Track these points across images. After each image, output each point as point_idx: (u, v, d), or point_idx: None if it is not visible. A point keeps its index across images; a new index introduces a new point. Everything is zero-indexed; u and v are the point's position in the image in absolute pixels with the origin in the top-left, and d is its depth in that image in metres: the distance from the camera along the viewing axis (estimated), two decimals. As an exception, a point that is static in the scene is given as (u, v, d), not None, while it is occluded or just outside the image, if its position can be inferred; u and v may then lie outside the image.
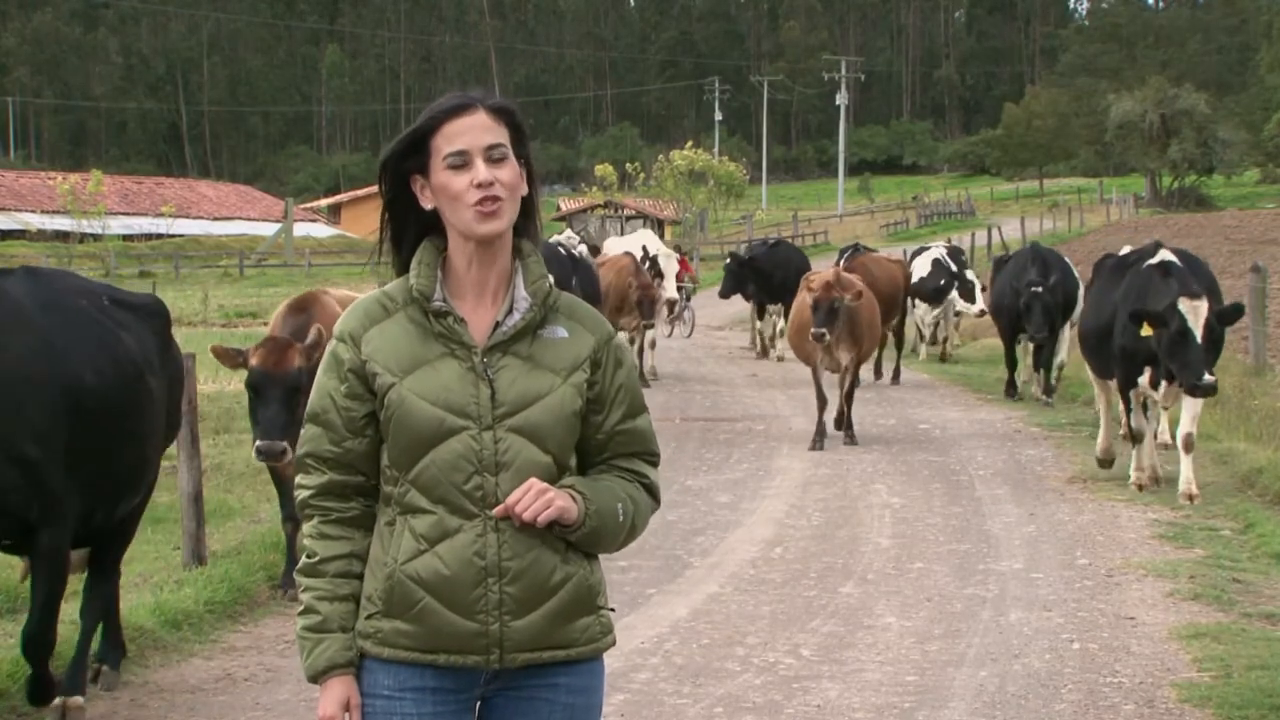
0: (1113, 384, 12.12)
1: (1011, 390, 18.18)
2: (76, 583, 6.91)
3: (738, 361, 23.34)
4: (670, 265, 20.51)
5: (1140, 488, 11.77)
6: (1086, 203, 77.48)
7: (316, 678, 3.12)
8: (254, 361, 8.04)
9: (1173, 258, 11.50)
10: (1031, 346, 17.86)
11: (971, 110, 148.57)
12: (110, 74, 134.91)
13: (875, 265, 20.20)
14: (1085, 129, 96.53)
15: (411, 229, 3.19)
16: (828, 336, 14.23)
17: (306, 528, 3.20)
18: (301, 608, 3.17)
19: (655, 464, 3.30)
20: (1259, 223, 59.40)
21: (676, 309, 22.87)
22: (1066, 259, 18.32)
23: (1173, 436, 12.26)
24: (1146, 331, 10.94)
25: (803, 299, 14.70)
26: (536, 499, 3.04)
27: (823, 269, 16.70)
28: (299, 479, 3.22)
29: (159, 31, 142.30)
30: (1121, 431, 12.36)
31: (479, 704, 3.19)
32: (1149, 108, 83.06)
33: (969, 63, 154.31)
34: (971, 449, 14.39)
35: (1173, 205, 79.00)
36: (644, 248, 20.70)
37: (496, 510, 3.06)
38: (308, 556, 3.17)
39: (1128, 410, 11.81)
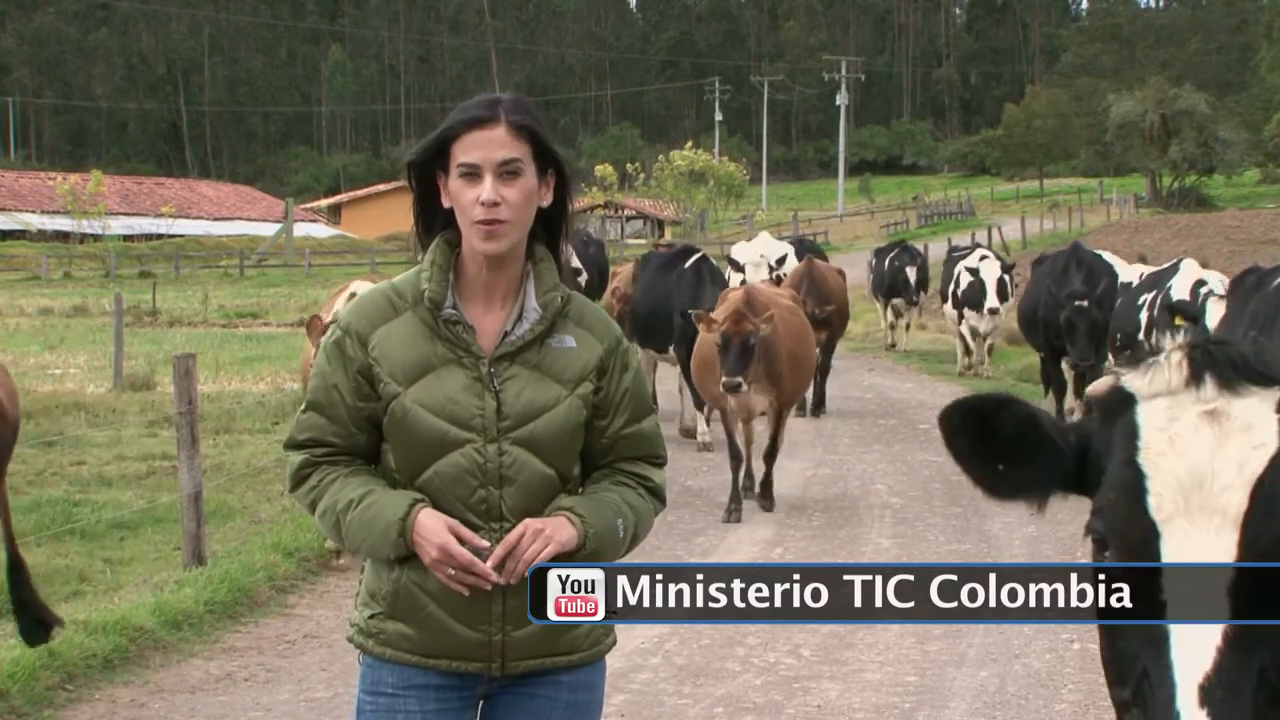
0: None
1: None
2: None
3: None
4: (759, 275, 17.29)
5: None
6: (1086, 203, 77.29)
7: (406, 516, 3.00)
8: None
9: None
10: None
11: (971, 110, 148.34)
12: (110, 74, 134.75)
13: (827, 277, 16.85)
14: (1085, 129, 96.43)
15: (439, 225, 3.20)
16: (744, 386, 10.80)
17: (314, 492, 3.13)
18: (348, 522, 3.05)
19: (660, 465, 3.29)
20: (1259, 223, 59.32)
21: None
22: (1111, 262, 15.46)
23: None
24: None
25: (706, 334, 11.19)
26: (534, 541, 3.00)
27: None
28: (300, 456, 3.15)
29: (159, 31, 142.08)
30: None
31: (481, 701, 3.19)
32: (1149, 108, 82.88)
33: (969, 63, 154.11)
34: (971, 449, 14.32)
35: (1173, 205, 78.82)
36: (728, 258, 17.92)
37: (495, 555, 2.99)
38: (336, 509, 3.08)
39: None
